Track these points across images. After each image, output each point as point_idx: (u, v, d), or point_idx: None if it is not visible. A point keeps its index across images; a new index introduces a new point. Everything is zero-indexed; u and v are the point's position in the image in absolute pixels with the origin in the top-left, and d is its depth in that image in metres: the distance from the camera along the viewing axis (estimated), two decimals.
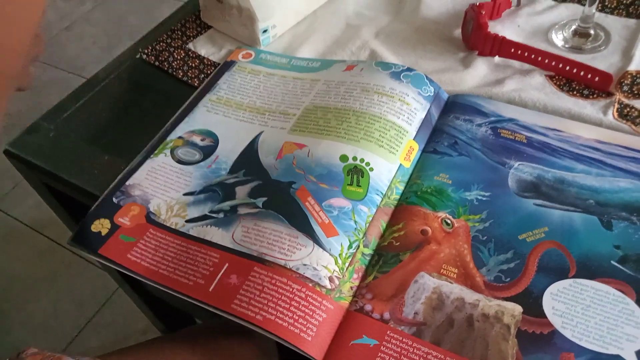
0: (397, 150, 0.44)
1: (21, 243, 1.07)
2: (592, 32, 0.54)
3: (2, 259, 1.06)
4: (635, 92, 0.48)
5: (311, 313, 0.35)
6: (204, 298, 0.37)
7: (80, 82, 1.40)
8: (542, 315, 0.35)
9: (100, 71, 0.60)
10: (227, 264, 0.39)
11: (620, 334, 0.34)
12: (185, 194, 0.45)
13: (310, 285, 0.36)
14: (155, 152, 0.48)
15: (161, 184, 0.46)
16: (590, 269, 0.37)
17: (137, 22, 1.55)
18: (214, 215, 0.42)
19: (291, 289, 0.36)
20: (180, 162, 0.47)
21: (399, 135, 0.45)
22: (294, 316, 0.35)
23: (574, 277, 0.36)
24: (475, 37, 0.53)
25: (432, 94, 0.49)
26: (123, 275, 0.70)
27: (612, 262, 0.37)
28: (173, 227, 0.42)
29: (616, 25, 0.55)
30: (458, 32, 0.56)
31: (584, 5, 0.53)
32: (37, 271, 1.02)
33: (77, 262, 1.02)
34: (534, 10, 0.58)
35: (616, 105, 0.47)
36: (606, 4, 0.57)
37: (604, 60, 0.52)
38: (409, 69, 0.50)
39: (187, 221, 0.43)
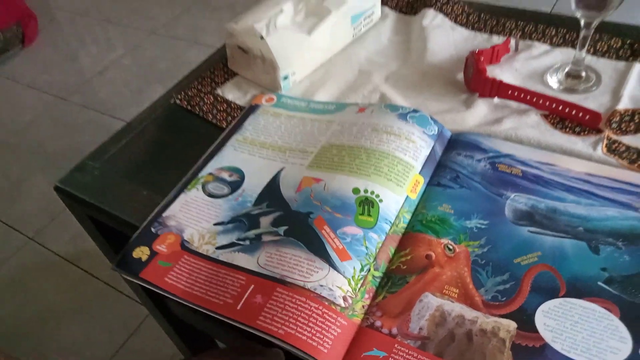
0: (404, 184, 0.49)
1: (56, 274, 1.13)
2: (583, 74, 0.59)
3: (38, 289, 1.12)
4: (624, 128, 0.53)
5: (327, 328, 0.40)
6: (233, 315, 0.42)
7: (114, 122, 1.50)
8: (535, 330, 0.39)
9: (138, 115, 0.67)
10: (252, 286, 0.44)
11: (605, 347, 0.37)
12: (215, 224, 0.50)
13: (326, 303, 0.41)
14: (188, 186, 0.54)
15: (194, 215, 0.52)
16: (578, 289, 0.40)
17: (166, 67, 1.66)
18: (240, 242, 0.48)
19: (309, 307, 0.41)
20: (210, 195, 0.53)
21: (406, 170, 0.50)
22: (312, 331, 0.40)
23: (564, 296, 0.40)
24: (475, 81, 0.59)
25: (436, 132, 0.54)
26: (154, 302, 0.76)
27: (599, 282, 0.41)
28: (205, 253, 0.48)
29: (606, 67, 0.60)
30: (460, 76, 0.62)
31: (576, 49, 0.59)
32: (70, 301, 1.08)
33: (108, 292, 1.08)
34: (531, 55, 0.64)
35: (605, 141, 0.52)
36: (597, 48, 0.63)
37: (595, 100, 0.57)
38: (415, 110, 0.55)
39: (217, 248, 0.48)
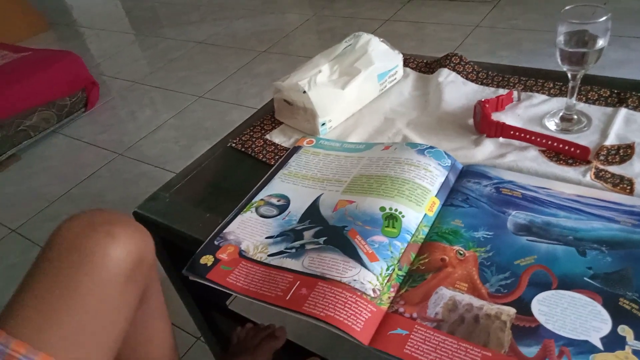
0: (423, 204, 0.60)
1: None
2: (575, 117, 0.69)
3: None
4: (610, 160, 0.62)
5: (360, 312, 0.49)
6: (283, 304, 0.52)
7: (165, 174, 1.64)
8: (531, 314, 0.47)
9: (201, 156, 0.81)
10: (298, 282, 0.54)
11: (589, 326, 0.45)
12: (266, 237, 0.61)
13: (359, 293, 0.51)
14: (244, 210, 0.66)
15: (249, 231, 0.63)
16: (568, 283, 0.49)
17: (211, 125, 1.84)
18: (288, 251, 0.58)
19: (345, 296, 0.50)
20: (262, 216, 0.65)
21: (424, 193, 0.61)
22: (347, 314, 0.49)
23: (555, 288, 0.49)
24: (482, 124, 0.70)
25: (449, 164, 0.65)
26: (208, 323, 0.86)
27: (585, 278, 0.49)
28: (259, 259, 0.58)
29: (596, 112, 0.71)
30: (471, 121, 0.74)
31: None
32: None
33: None
34: (531, 104, 0.75)
35: (593, 170, 0.61)
36: (589, 96, 0.74)
37: (586, 138, 0.67)
38: (431, 147, 0.66)
39: (269, 255, 0.59)
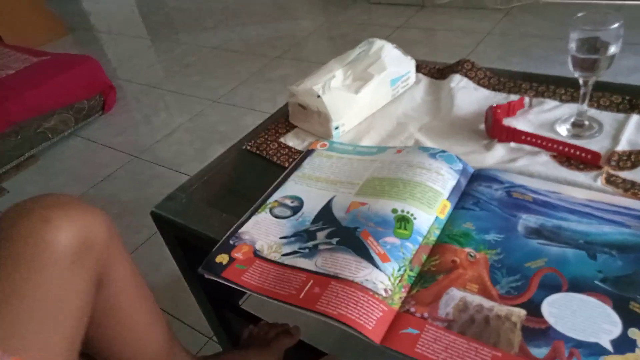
0: (434, 206, 0.61)
1: None
2: (586, 123, 0.70)
3: None
4: (621, 165, 0.63)
5: (371, 311, 0.50)
6: (297, 302, 0.53)
7: (179, 176, 1.66)
8: (541, 316, 0.48)
9: (216, 158, 0.82)
10: (311, 281, 0.55)
11: (599, 329, 0.46)
12: (280, 238, 0.62)
13: (371, 293, 0.52)
14: (259, 210, 0.68)
15: (263, 231, 0.64)
16: (578, 286, 0.49)
17: (225, 130, 1.87)
18: (301, 250, 0.60)
19: (357, 295, 0.52)
20: (276, 217, 0.66)
21: (435, 196, 0.62)
22: (359, 313, 0.50)
23: (566, 291, 0.49)
24: (493, 129, 0.71)
25: (461, 168, 0.66)
26: (221, 322, 0.87)
27: (595, 281, 0.50)
28: (273, 259, 0.60)
29: (608, 118, 0.71)
30: (482, 126, 0.74)
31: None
32: None
33: (172, 322, 1.20)
34: (542, 110, 0.75)
35: (605, 175, 0.62)
36: (601, 103, 0.74)
37: (597, 144, 0.67)
38: (443, 151, 0.67)
39: (282, 255, 0.60)
